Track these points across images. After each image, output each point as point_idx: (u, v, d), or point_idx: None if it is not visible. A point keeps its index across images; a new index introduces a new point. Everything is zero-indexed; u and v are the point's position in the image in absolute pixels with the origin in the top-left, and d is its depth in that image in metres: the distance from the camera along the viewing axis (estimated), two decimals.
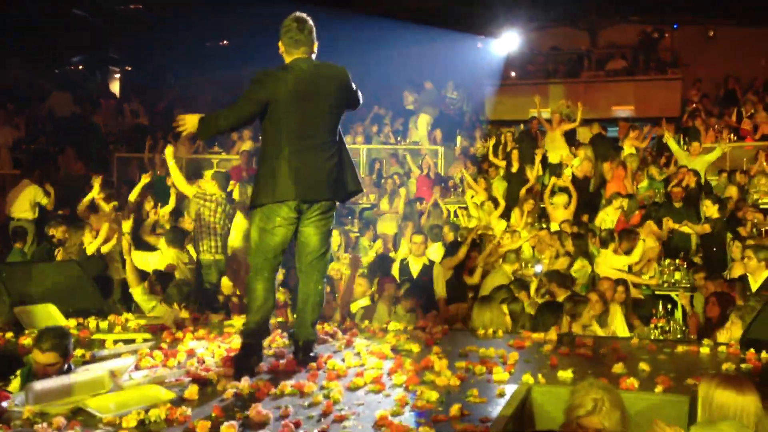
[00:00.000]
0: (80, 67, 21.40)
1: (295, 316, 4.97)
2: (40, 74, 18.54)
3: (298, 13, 4.61)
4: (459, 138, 15.94)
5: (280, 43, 4.61)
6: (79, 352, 4.96)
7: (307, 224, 4.58)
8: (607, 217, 10.34)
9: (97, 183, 9.51)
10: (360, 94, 4.74)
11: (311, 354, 4.63)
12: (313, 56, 4.62)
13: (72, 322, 5.81)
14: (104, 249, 8.47)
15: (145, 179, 9.42)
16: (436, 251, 9.19)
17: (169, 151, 8.10)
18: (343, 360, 4.61)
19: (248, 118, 4.62)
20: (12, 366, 4.52)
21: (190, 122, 4.68)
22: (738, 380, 3.39)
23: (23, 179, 10.98)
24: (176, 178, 8.20)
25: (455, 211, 12.32)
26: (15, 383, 4.31)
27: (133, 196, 9.36)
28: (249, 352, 4.47)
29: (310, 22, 4.61)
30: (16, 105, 15.67)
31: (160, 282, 7.29)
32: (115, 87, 21.68)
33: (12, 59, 18.43)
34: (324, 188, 4.53)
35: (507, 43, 18.80)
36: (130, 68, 22.47)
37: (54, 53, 19.48)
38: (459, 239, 9.36)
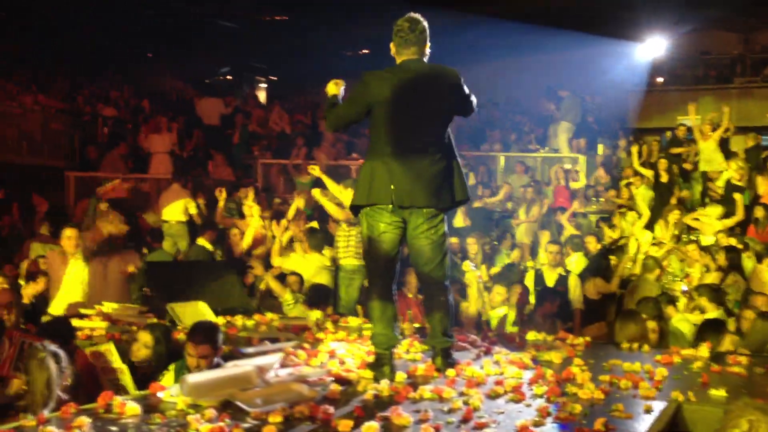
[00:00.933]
0: (228, 77, 22.44)
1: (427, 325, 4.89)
2: (190, 84, 19.61)
3: (411, 14, 4.49)
4: (601, 146, 15.52)
5: (391, 44, 4.50)
6: (226, 348, 5.20)
7: (416, 234, 4.39)
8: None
9: (251, 194, 9.85)
10: (474, 99, 4.57)
11: (448, 360, 4.57)
12: (425, 58, 4.48)
13: (221, 320, 6.08)
14: (255, 252, 8.79)
15: (299, 202, 9.39)
16: (575, 261, 8.97)
17: (315, 170, 8.44)
18: (482, 368, 4.57)
19: (351, 120, 4.56)
20: (170, 360, 4.78)
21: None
22: None
23: (174, 184, 11.53)
24: (333, 190, 8.29)
25: (597, 222, 11.98)
26: (169, 376, 4.55)
27: (291, 214, 9.33)
28: (379, 362, 4.40)
29: (424, 22, 4.46)
30: (171, 113, 16.57)
31: (301, 286, 7.49)
32: (261, 95, 22.55)
33: (165, 70, 19.60)
34: (424, 194, 4.31)
35: (653, 47, 18.15)
36: (275, 77, 23.34)
37: (203, 64, 20.53)
38: (604, 250, 9.11)
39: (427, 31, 4.47)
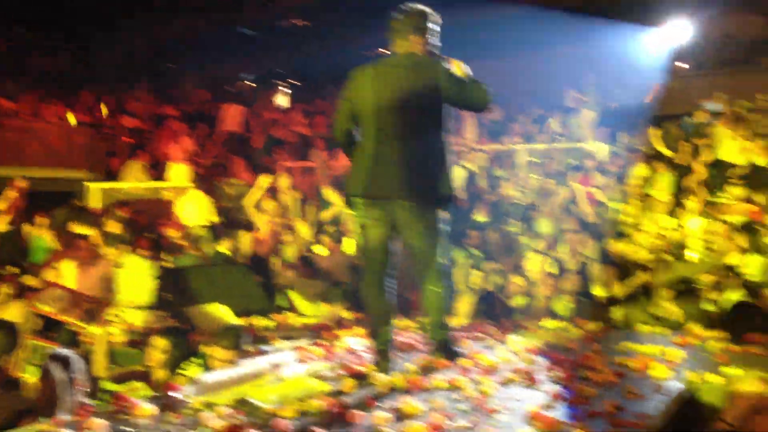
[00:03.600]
0: (249, 83, 22.58)
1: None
2: (212, 91, 19.75)
3: (410, 3, 4.37)
4: (624, 134, 15.37)
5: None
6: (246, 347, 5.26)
7: (403, 228, 4.33)
8: None
9: (265, 181, 9.87)
10: (483, 90, 4.27)
11: (452, 351, 4.48)
12: (423, 48, 4.32)
13: (241, 322, 6.14)
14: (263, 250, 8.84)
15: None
16: (596, 249, 8.91)
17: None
18: (496, 356, 4.58)
19: (343, 123, 4.43)
20: (187, 360, 4.85)
21: None
22: None
23: (194, 189, 11.63)
24: None
25: (619, 209, 11.88)
26: (191, 372, 4.62)
27: (250, 202, 9.56)
28: (377, 356, 4.43)
29: (419, 12, 4.34)
30: (190, 121, 16.71)
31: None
32: (281, 100, 22.65)
33: (186, 79, 19.78)
34: (400, 188, 4.23)
35: (674, 32, 17.93)
36: (296, 82, 23.44)
37: (224, 71, 20.69)
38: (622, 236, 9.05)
39: (425, 22, 4.33)
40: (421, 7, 4.39)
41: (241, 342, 4.64)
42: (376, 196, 4.29)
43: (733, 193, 10.00)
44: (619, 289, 7.60)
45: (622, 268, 8.11)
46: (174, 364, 5.00)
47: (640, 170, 12.59)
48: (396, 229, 4.36)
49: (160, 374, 4.98)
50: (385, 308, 4.45)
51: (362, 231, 4.40)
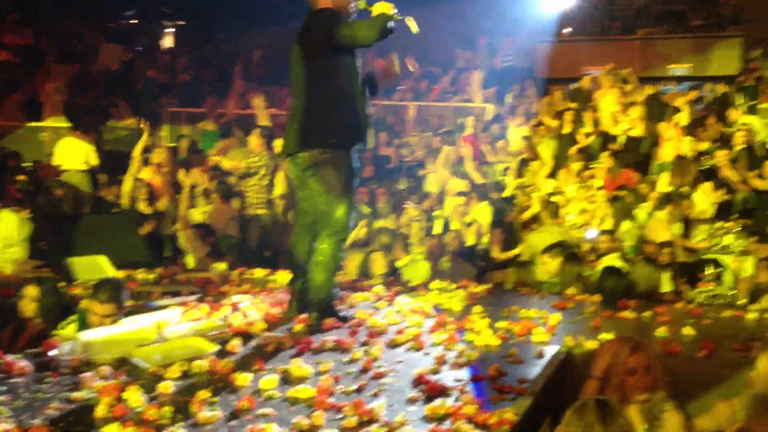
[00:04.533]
0: (133, 21, 21.58)
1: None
2: (93, 29, 18.75)
3: None
4: (508, 96, 15.69)
5: None
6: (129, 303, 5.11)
7: (307, 180, 4.46)
8: (668, 180, 10.05)
9: (146, 130, 9.57)
10: (359, 27, 4.32)
11: (326, 315, 4.45)
12: (318, 5, 4.47)
13: (121, 274, 5.96)
14: (160, 206, 8.60)
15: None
16: (482, 210, 9.13)
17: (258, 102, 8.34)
18: (384, 317, 4.64)
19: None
20: (65, 316, 4.66)
21: None
22: None
23: (74, 132, 11.07)
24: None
25: (504, 170, 12.18)
26: (69, 329, 4.45)
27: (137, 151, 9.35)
28: (295, 298, 4.71)
29: None
30: (69, 59, 15.86)
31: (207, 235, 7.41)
32: (167, 42, 21.81)
33: (65, 14, 18.68)
34: (294, 141, 4.44)
35: None
36: (183, 23, 22.58)
37: (107, 8, 19.67)
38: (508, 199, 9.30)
39: None
40: None
41: (122, 296, 4.46)
42: (283, 154, 4.59)
43: (608, 161, 10.40)
44: (503, 252, 7.84)
45: (508, 229, 8.36)
46: (49, 317, 4.80)
47: (524, 133, 12.88)
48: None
49: (35, 328, 4.77)
50: (305, 258, 4.61)
51: (295, 190, 4.75)
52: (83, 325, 4.41)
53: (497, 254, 7.69)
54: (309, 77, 4.38)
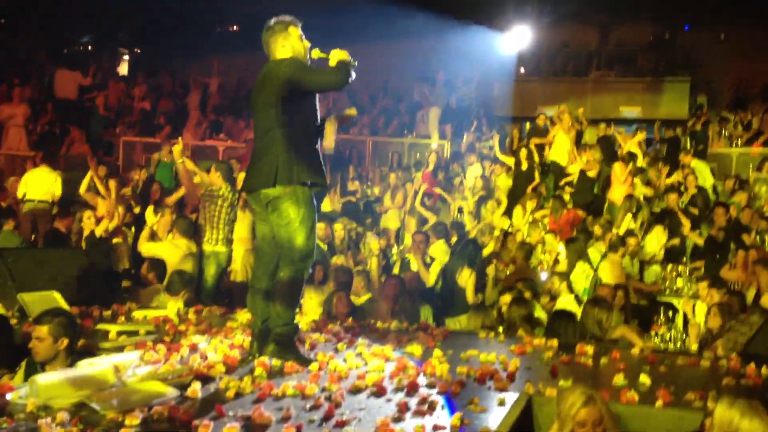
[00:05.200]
0: (89, 47, 21.39)
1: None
2: (47, 53, 18.52)
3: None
4: (465, 134, 15.91)
5: None
6: (81, 342, 5.01)
7: (269, 217, 4.64)
8: (624, 222, 10.26)
9: (92, 164, 9.58)
10: (327, 74, 4.56)
11: (289, 347, 4.57)
12: (277, 55, 4.67)
13: (75, 310, 5.84)
14: (102, 228, 8.45)
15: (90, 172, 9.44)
16: (438, 248, 9.16)
17: (177, 149, 8.28)
18: (345, 361, 4.62)
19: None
20: (17, 356, 4.55)
21: None
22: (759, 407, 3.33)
23: (40, 161, 10.93)
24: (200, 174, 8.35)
25: (459, 208, 12.31)
26: (20, 375, 4.34)
27: (82, 188, 9.38)
28: (256, 339, 4.73)
29: (268, 23, 4.72)
30: (21, 83, 15.62)
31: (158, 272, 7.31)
32: (123, 69, 21.64)
33: (20, 37, 18.42)
34: (253, 180, 4.66)
35: (518, 38, 18.73)
36: (138, 50, 22.44)
37: (63, 32, 19.46)
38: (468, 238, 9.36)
39: (270, 32, 4.69)
40: (278, 18, 4.73)
41: (63, 325, 4.34)
42: (245, 191, 4.80)
43: (560, 200, 10.58)
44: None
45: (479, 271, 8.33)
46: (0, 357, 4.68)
47: (479, 170, 13.05)
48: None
49: None
50: (265, 297, 4.69)
51: (255, 226, 4.94)
52: (35, 367, 4.31)
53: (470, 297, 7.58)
54: (275, 119, 4.57)
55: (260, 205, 4.66)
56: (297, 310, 4.86)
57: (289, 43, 4.68)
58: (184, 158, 8.54)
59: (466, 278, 7.40)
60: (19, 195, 10.57)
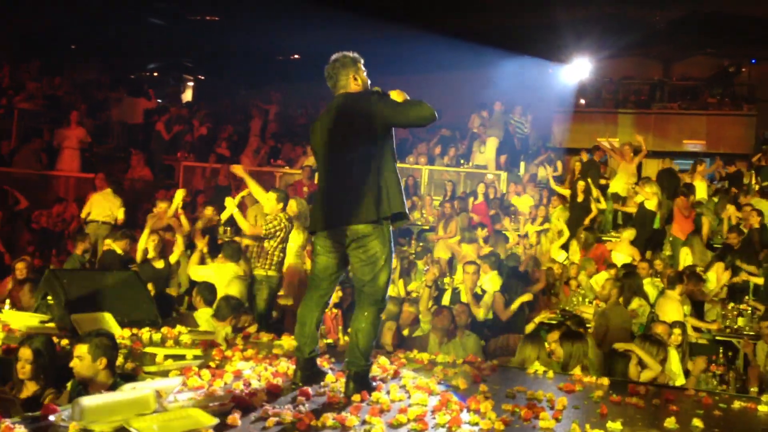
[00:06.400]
0: (155, 74, 21.96)
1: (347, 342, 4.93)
2: (116, 78, 19.07)
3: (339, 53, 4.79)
4: (523, 164, 15.77)
5: None
6: (129, 365, 5.06)
7: (350, 252, 4.60)
8: (687, 258, 10.02)
9: (180, 194, 9.77)
10: (415, 107, 4.57)
11: (361, 385, 4.54)
12: (353, 87, 4.70)
13: (126, 332, 5.92)
14: (176, 255, 8.64)
15: (179, 195, 9.63)
16: (490, 280, 9.03)
17: (238, 169, 8.42)
18: (387, 393, 4.56)
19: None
20: (65, 377, 4.61)
21: None
22: None
23: (102, 183, 11.23)
24: (255, 192, 8.42)
25: (517, 240, 12.14)
26: (65, 395, 4.39)
27: (171, 212, 9.57)
28: (300, 368, 4.76)
29: (336, 57, 4.75)
30: (89, 107, 16.08)
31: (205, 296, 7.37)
32: (187, 95, 22.15)
33: (90, 62, 19.01)
34: (342, 215, 4.55)
35: (578, 69, 18.61)
36: (203, 77, 22.96)
37: (130, 59, 20.02)
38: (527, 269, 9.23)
39: (340, 66, 4.72)
40: (344, 53, 4.77)
41: (103, 348, 4.44)
42: (329, 226, 4.64)
43: (626, 234, 10.38)
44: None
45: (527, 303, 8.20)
46: (44, 377, 4.75)
47: (534, 201, 12.90)
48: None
49: (29, 390, 4.73)
50: (310, 324, 4.73)
51: (315, 259, 4.79)
52: (81, 388, 4.36)
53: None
54: (368, 154, 4.56)
55: (337, 240, 4.61)
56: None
57: (360, 77, 4.73)
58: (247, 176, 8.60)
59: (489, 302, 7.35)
60: (83, 215, 10.93)
